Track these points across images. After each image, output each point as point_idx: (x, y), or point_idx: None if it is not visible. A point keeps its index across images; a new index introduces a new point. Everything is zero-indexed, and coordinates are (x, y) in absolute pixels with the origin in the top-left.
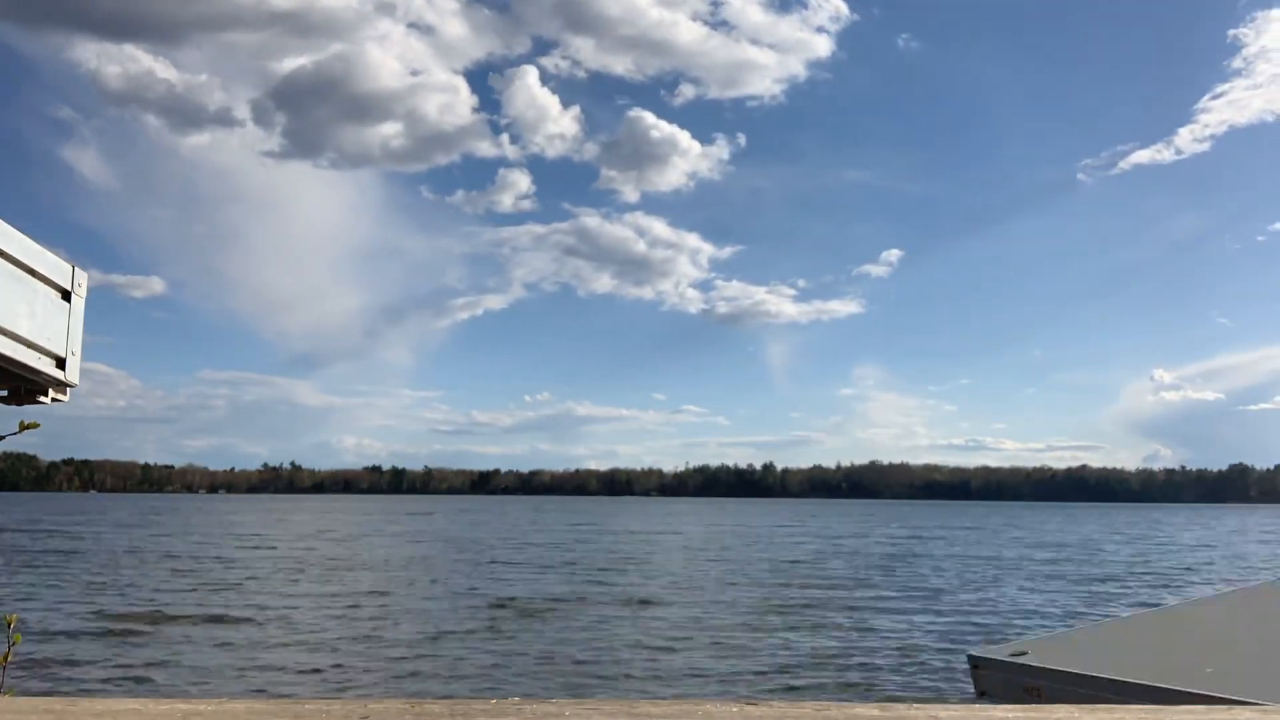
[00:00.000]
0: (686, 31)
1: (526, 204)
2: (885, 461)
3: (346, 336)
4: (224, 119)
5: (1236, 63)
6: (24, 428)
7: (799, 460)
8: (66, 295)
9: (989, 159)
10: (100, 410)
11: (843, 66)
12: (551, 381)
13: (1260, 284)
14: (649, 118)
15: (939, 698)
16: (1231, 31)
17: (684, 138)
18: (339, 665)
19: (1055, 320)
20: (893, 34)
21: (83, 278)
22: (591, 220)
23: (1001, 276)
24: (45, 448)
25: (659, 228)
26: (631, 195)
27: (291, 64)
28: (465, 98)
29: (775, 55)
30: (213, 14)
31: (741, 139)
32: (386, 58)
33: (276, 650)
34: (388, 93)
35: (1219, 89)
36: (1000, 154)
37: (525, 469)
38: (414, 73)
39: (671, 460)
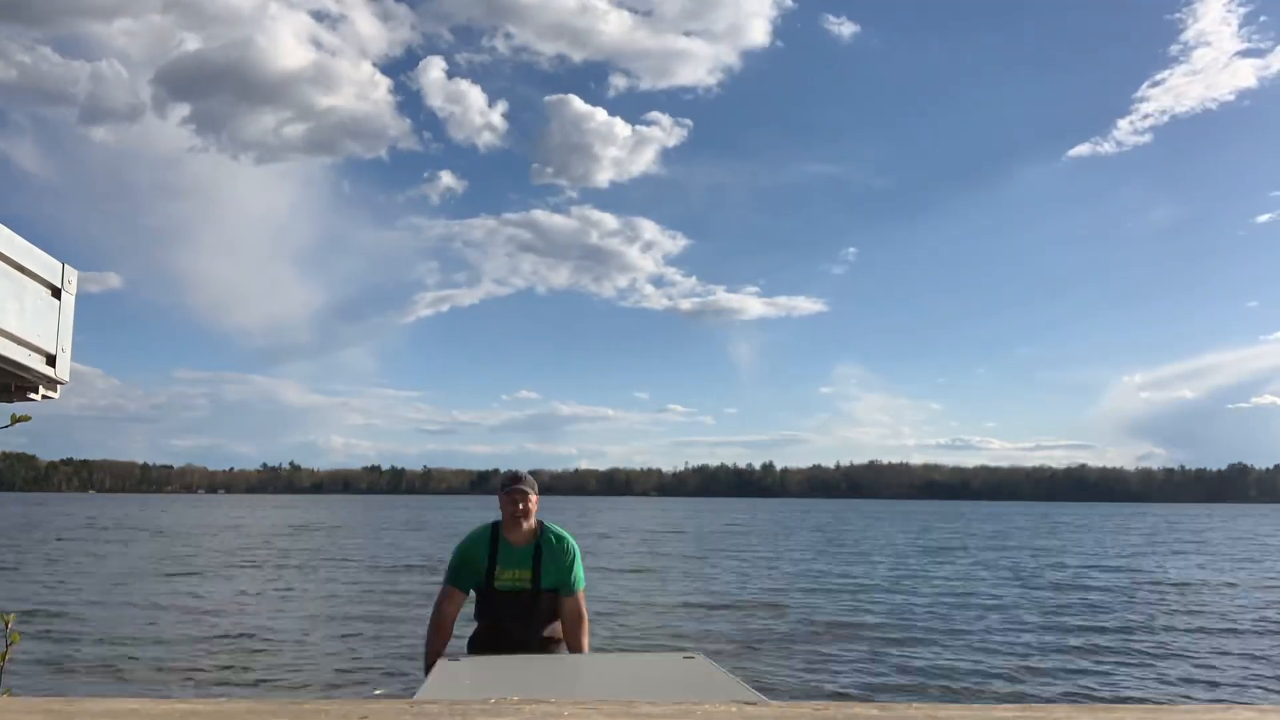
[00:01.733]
0: (615, 21)
1: (461, 197)
2: (885, 461)
3: (308, 332)
4: (132, 112)
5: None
6: (15, 420)
7: (788, 459)
8: (57, 293)
9: (940, 149)
10: (84, 410)
11: (781, 55)
12: (525, 379)
13: (1236, 281)
14: (581, 106)
15: (939, 698)
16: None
17: (622, 127)
18: (339, 667)
19: (1036, 318)
20: (827, 19)
21: (73, 275)
22: (540, 214)
23: (962, 270)
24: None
25: (610, 221)
26: (570, 190)
27: (195, 48)
28: (384, 91)
29: (707, 45)
30: (105, 2)
31: (682, 130)
32: (297, 46)
33: (277, 650)
34: (294, 79)
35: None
36: (952, 143)
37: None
38: (322, 56)
39: (662, 460)
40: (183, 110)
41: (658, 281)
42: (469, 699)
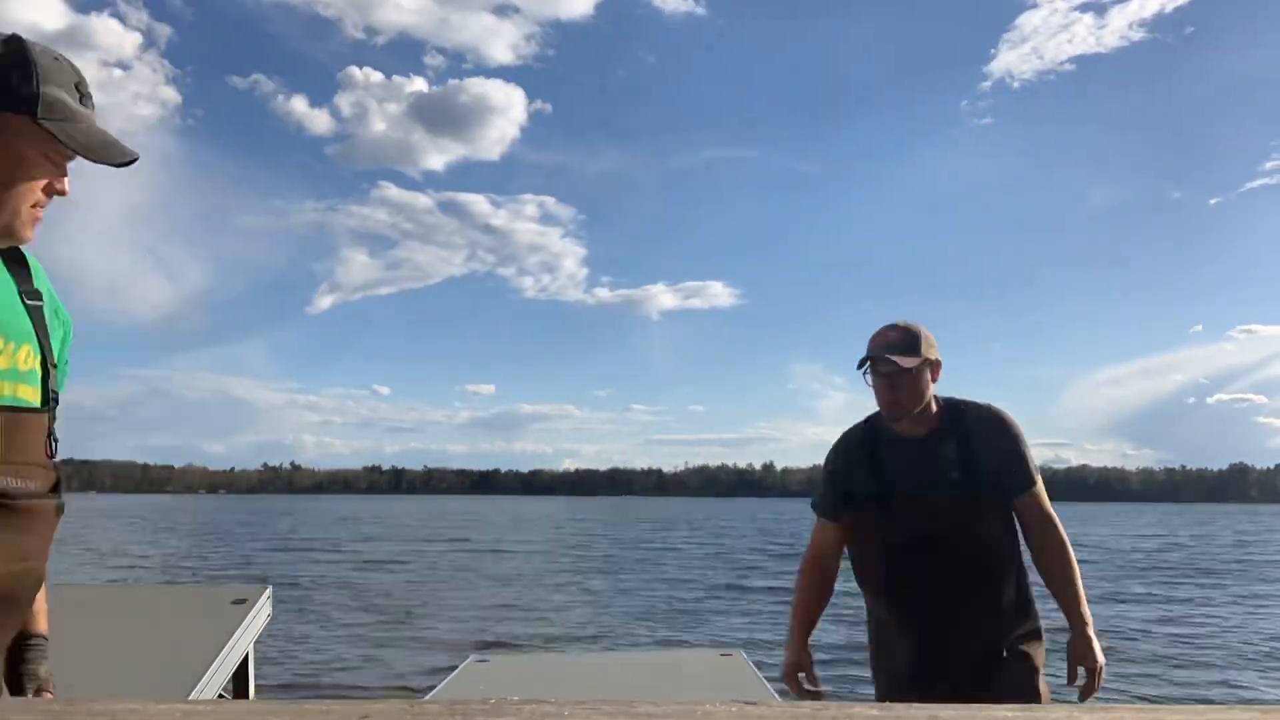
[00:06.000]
0: None
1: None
2: None
3: (207, 321)
4: None
5: None
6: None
7: (768, 457)
8: None
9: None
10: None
11: (600, 29)
12: (470, 376)
13: (1198, 276)
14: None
15: (939, 697)
16: None
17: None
18: (339, 667)
19: (997, 312)
20: None
21: None
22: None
23: (906, 258)
24: None
25: (484, 206)
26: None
27: None
28: None
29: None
30: None
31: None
32: None
33: (276, 651)
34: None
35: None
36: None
37: (484, 468)
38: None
39: (637, 459)
40: None
41: (572, 278)
42: (468, 699)
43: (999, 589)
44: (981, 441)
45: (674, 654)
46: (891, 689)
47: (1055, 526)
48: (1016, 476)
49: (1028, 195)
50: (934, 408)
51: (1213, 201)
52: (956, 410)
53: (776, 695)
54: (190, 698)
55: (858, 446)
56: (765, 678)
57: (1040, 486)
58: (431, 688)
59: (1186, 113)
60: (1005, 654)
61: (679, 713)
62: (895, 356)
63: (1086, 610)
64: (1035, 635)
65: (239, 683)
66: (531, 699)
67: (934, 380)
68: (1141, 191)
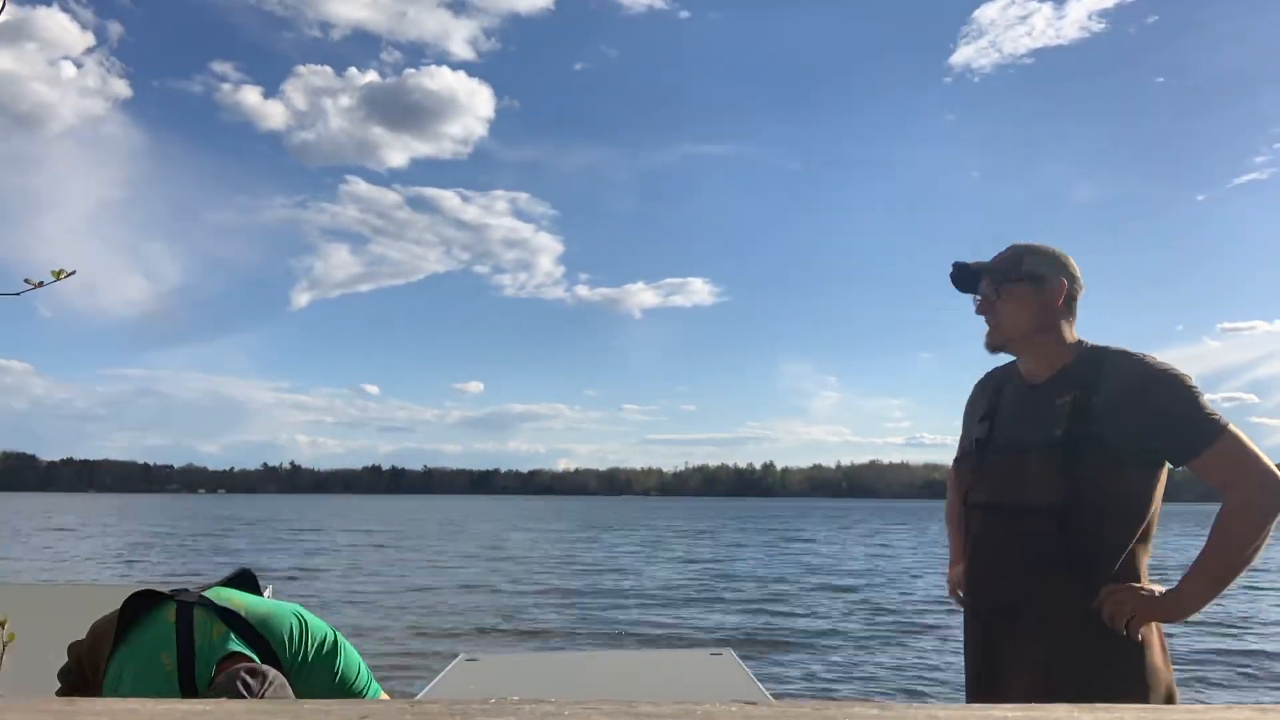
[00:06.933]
0: None
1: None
2: (885, 461)
3: (185, 318)
4: None
5: None
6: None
7: (762, 456)
8: None
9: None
10: (29, 408)
11: (557, 23)
12: (457, 374)
13: (1185, 274)
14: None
15: (940, 697)
16: None
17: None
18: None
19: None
20: None
21: None
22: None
23: (885, 260)
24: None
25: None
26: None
27: None
28: None
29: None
30: None
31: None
32: None
33: None
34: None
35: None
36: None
37: (481, 467)
38: None
39: (634, 459)
40: None
41: (550, 276)
42: (468, 699)
43: (1083, 585)
44: (1112, 396)
45: (664, 653)
46: (966, 690)
47: (1234, 496)
48: (1171, 439)
49: (1009, 191)
50: (1064, 345)
51: (1200, 198)
52: (1094, 355)
53: (769, 694)
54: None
55: (984, 389)
56: (756, 676)
57: (1223, 446)
58: (420, 688)
59: (1165, 106)
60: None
61: (679, 713)
62: (986, 281)
63: (1189, 585)
64: (1136, 658)
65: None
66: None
67: (1061, 311)
68: (1124, 188)
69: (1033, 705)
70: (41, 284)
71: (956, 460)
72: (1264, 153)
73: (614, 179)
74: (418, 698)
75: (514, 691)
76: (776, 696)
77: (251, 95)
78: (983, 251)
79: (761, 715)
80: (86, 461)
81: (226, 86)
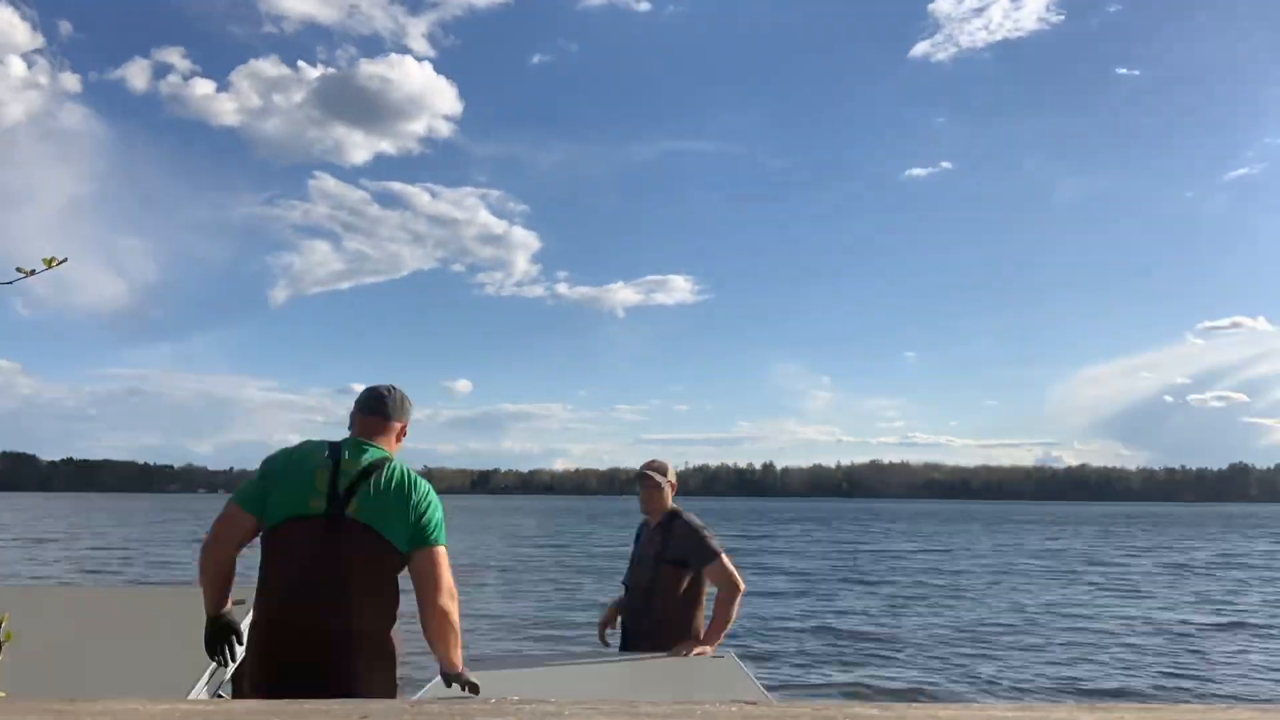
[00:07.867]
0: None
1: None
2: (885, 460)
3: (163, 315)
4: None
5: None
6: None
7: (753, 456)
8: None
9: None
10: (20, 407)
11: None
12: (444, 373)
13: (1178, 275)
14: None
15: (940, 697)
16: None
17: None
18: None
19: (972, 311)
20: None
21: None
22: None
23: (875, 259)
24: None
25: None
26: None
27: None
28: None
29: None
30: None
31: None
32: None
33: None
34: None
35: None
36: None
37: (479, 467)
38: None
39: (630, 459)
40: None
41: (529, 276)
42: (468, 699)
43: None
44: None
45: (663, 655)
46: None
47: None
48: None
49: (992, 189)
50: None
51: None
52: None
53: (770, 695)
54: (190, 697)
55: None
56: (756, 677)
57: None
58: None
59: (1144, 99)
60: None
61: (680, 713)
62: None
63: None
64: None
65: (238, 683)
66: (531, 699)
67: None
68: (1111, 184)
69: (1033, 705)
70: (34, 272)
71: None
72: (1253, 147)
73: (587, 175)
74: (417, 697)
75: (514, 692)
76: (776, 697)
77: (203, 87)
78: (973, 249)
79: (762, 715)
80: (87, 462)
81: (174, 79)
